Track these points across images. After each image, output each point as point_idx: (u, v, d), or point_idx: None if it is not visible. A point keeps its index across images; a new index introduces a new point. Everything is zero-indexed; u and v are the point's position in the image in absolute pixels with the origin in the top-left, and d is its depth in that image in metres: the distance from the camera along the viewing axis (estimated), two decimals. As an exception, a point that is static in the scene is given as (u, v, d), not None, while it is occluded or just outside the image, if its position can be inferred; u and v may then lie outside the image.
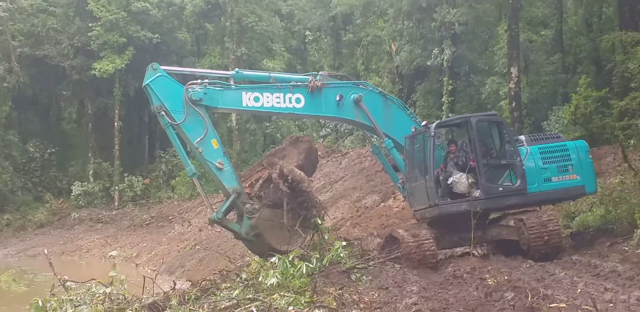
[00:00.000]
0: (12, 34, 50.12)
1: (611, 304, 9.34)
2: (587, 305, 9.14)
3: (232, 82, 16.49)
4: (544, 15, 32.40)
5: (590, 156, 15.90)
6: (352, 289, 12.43)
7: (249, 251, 17.24)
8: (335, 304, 10.82)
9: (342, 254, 14.47)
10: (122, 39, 48.25)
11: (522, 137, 16.14)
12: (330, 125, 43.85)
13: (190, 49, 56.19)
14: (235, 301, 11.12)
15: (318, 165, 21.04)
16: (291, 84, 16.24)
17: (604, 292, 10.22)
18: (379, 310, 10.63)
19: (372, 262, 14.92)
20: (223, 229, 17.66)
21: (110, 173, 51.74)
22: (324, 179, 34.55)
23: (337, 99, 16.33)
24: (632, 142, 18.72)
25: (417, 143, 15.97)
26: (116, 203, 49.91)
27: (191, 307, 10.57)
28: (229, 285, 13.28)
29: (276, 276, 12.11)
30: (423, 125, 16.19)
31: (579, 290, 10.50)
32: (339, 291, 11.72)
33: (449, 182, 15.18)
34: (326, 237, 16.14)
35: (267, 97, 15.89)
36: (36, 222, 47.82)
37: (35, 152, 53.77)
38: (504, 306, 10.03)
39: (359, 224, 24.59)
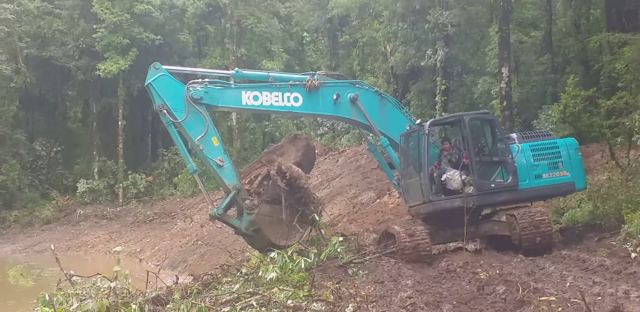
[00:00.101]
0: (19, 36, 50.08)
1: (599, 297, 9.33)
2: (576, 298, 9.12)
3: (232, 82, 16.43)
4: (534, 17, 32.37)
5: (580, 153, 15.88)
6: (349, 283, 12.42)
7: (249, 246, 17.21)
8: (332, 297, 10.82)
9: (339, 249, 14.49)
10: (125, 40, 48.15)
11: (514, 135, 16.12)
12: (328, 124, 43.82)
13: (191, 50, 56.08)
14: (236, 295, 11.11)
15: (316, 162, 21.01)
16: (289, 83, 16.21)
17: (592, 285, 10.22)
18: (375, 303, 10.62)
19: (368, 257, 14.90)
20: (224, 224, 17.66)
21: (114, 171, 51.70)
22: (321, 177, 34.53)
23: (334, 97, 16.29)
24: (619, 140, 18.67)
25: (411, 141, 15.94)
26: (120, 200, 49.87)
27: (193, 301, 10.54)
28: (229, 279, 13.28)
29: (275, 271, 12.11)
30: (417, 124, 16.13)
31: (568, 284, 10.50)
32: (336, 285, 11.72)
33: (442, 179, 15.17)
34: (323, 232, 16.13)
35: (266, 96, 15.86)
36: (43, 218, 47.82)
37: (42, 151, 53.78)
38: (496, 299, 10.03)
39: (356, 220, 24.57)
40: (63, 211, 49.12)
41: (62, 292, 11.61)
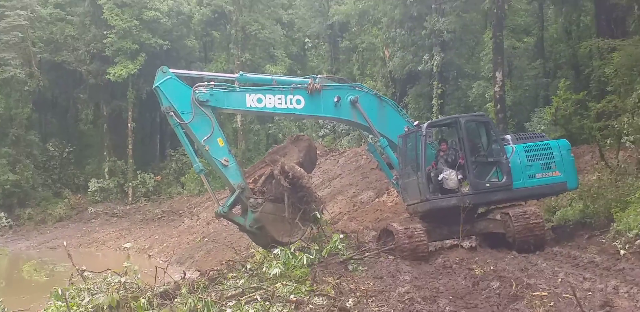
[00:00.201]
0: (33, 41, 50.08)
1: (589, 293, 9.32)
2: (567, 293, 9.12)
3: (236, 85, 16.37)
4: (527, 24, 32.38)
5: (572, 154, 15.85)
6: (349, 278, 12.40)
7: (253, 243, 17.19)
8: (333, 292, 10.81)
9: (339, 246, 14.46)
10: (134, 45, 48.21)
11: (508, 136, 16.08)
12: (329, 126, 43.79)
13: (198, 55, 56.11)
14: (241, 290, 11.12)
15: (317, 162, 20.98)
16: (292, 86, 16.16)
17: (583, 281, 10.21)
18: (374, 298, 10.60)
19: (367, 253, 14.88)
20: (229, 222, 17.60)
21: (124, 170, 51.70)
22: (322, 176, 34.51)
23: (335, 100, 16.23)
24: (608, 141, 18.67)
25: (410, 142, 15.90)
26: (130, 198, 49.86)
27: (200, 296, 10.52)
28: (235, 275, 13.28)
29: (279, 267, 12.11)
30: (415, 125, 16.11)
31: (559, 279, 10.49)
32: (337, 280, 11.72)
33: (439, 178, 15.12)
34: (325, 230, 16.10)
35: (270, 98, 15.81)
36: (56, 216, 47.85)
37: (55, 151, 53.81)
38: (490, 294, 10.02)
39: (356, 218, 24.55)
40: (75, 209, 49.16)
41: (74, 287, 11.64)
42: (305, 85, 16.06)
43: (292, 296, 10.39)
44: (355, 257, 14.38)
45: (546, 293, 9.39)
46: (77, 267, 12.16)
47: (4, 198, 47.78)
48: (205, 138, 15.05)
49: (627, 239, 12.71)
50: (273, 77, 16.74)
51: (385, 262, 14.09)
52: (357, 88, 17.09)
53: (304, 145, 16.89)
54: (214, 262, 21.99)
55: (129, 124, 51.01)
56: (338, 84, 17.10)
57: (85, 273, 12.32)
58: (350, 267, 13.69)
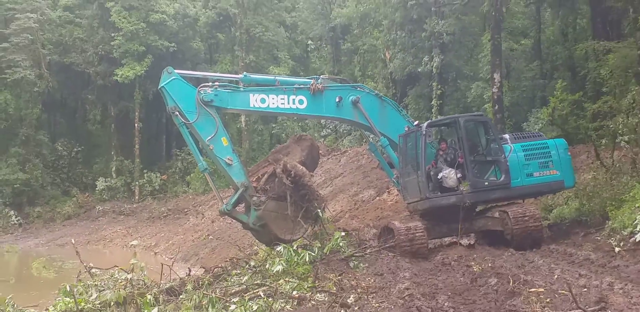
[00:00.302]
0: (42, 43, 50.19)
1: (585, 289, 9.30)
2: (563, 289, 9.09)
3: (240, 85, 16.33)
4: (524, 26, 32.34)
5: (569, 153, 15.81)
6: (350, 275, 12.37)
7: (257, 240, 17.17)
8: (335, 289, 10.80)
9: (341, 244, 14.45)
10: (141, 47, 48.26)
11: (506, 136, 16.03)
12: (331, 126, 43.77)
13: (203, 56, 56.13)
14: (245, 286, 11.12)
15: (319, 162, 20.95)
16: (295, 86, 16.11)
17: (579, 278, 10.18)
18: (374, 294, 10.57)
19: (368, 251, 14.87)
20: (232, 220, 17.58)
21: (131, 170, 51.76)
22: (324, 175, 34.49)
23: (337, 100, 16.18)
24: (603, 141, 18.62)
25: (410, 141, 15.87)
26: (136, 197, 49.92)
27: (205, 292, 10.52)
28: (239, 271, 13.26)
29: (281, 264, 12.08)
30: (415, 125, 16.09)
31: (556, 276, 10.45)
32: (339, 277, 11.70)
33: (439, 177, 15.10)
34: (326, 227, 16.07)
35: (273, 98, 15.76)
36: (64, 214, 47.94)
37: (63, 151, 53.88)
38: (488, 290, 9.99)
39: (357, 216, 24.54)
40: (83, 207, 49.24)
41: (82, 283, 11.63)
42: (308, 86, 16.02)
43: (294, 292, 10.38)
44: (357, 254, 14.36)
45: (542, 289, 9.36)
46: (85, 264, 12.16)
47: (14, 197, 47.90)
48: (210, 137, 15.03)
49: (621, 236, 12.67)
50: (276, 78, 16.70)
51: (386, 260, 14.07)
52: (358, 88, 17.02)
53: (306, 144, 16.88)
54: (219, 260, 21.97)
55: (136, 124, 51.07)
56: (340, 85, 17.06)
57: (93, 270, 12.32)
58: (351, 264, 13.67)
